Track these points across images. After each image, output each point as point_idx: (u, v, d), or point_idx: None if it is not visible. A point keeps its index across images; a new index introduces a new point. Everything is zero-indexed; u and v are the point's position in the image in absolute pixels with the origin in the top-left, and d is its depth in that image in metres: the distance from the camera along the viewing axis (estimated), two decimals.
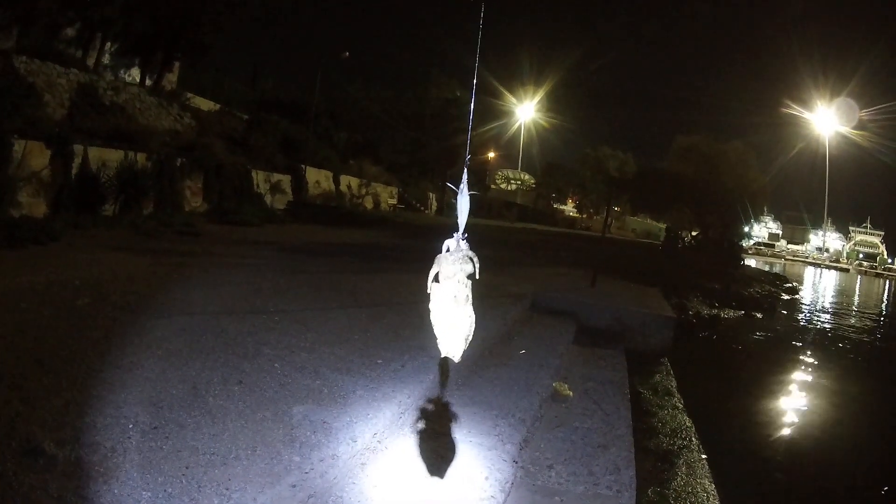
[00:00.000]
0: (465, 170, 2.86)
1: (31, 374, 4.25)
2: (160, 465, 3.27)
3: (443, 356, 2.84)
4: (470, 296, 2.76)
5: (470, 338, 2.80)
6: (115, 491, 3.00)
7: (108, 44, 27.47)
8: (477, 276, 2.75)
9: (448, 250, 2.75)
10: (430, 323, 2.76)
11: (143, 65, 29.24)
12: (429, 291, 2.77)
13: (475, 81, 3.05)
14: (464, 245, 2.74)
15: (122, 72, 29.13)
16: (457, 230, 2.76)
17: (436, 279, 2.75)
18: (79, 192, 14.55)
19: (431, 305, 2.76)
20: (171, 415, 3.88)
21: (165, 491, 3.05)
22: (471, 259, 2.74)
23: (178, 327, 5.85)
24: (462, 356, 2.82)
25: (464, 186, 2.76)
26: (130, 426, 3.65)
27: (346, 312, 7.54)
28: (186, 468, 3.27)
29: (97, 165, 15.21)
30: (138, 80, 28.84)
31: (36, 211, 13.26)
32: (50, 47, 22.34)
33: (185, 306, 6.79)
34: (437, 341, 2.80)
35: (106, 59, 27.79)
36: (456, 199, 2.78)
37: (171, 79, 32.04)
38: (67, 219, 12.90)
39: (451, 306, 2.73)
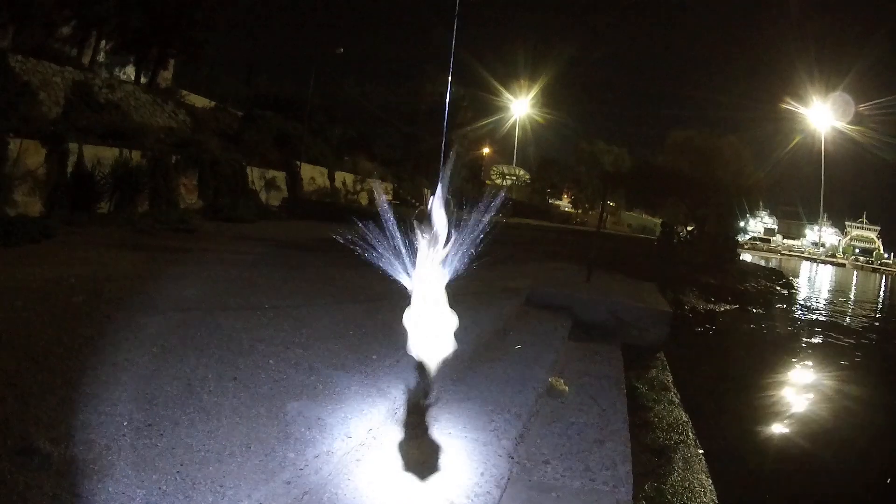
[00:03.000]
0: (440, 185, 2.81)
1: (25, 371, 4.25)
2: (155, 462, 3.27)
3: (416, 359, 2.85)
4: (441, 300, 2.75)
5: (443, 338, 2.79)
6: (110, 489, 3.00)
7: (103, 42, 27.47)
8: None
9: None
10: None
11: (138, 62, 29.21)
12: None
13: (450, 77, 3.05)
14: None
15: (116, 70, 29.11)
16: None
17: None
18: (74, 190, 14.53)
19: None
20: (166, 412, 3.88)
21: (160, 488, 3.05)
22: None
23: (173, 324, 5.85)
24: (438, 358, 2.81)
25: (437, 201, 2.70)
26: (125, 424, 3.65)
27: (341, 308, 7.54)
28: (181, 465, 3.27)
29: (92, 163, 15.18)
30: (133, 77, 28.81)
31: (31, 209, 13.23)
32: (45, 46, 22.32)
33: (180, 303, 6.79)
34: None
35: (101, 58, 27.78)
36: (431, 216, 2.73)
37: (165, 76, 32.00)
38: (63, 217, 12.88)
39: (421, 307, 2.73)
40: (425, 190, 47.60)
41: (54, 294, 6.57)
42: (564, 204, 78.62)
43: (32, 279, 7.20)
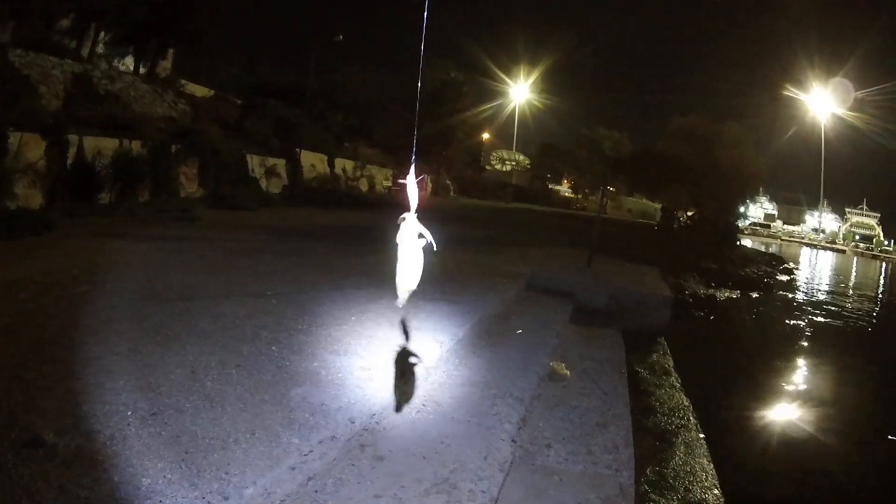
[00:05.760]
0: (413, 162, 3.76)
1: (30, 363, 4.26)
2: (159, 451, 3.29)
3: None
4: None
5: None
6: (116, 478, 3.02)
7: (103, 33, 27.30)
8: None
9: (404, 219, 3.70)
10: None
11: (138, 53, 29.05)
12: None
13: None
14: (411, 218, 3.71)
15: (116, 61, 28.93)
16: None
17: None
18: (74, 181, 14.49)
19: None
20: (170, 400, 3.91)
21: (165, 477, 3.08)
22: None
23: (176, 312, 5.86)
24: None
25: (411, 176, 3.75)
26: (129, 413, 3.67)
27: (343, 294, 7.55)
28: (186, 453, 3.30)
29: (92, 154, 15.15)
30: (132, 68, 28.66)
31: (32, 202, 13.20)
32: (45, 39, 22.21)
33: (183, 291, 6.80)
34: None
35: (100, 49, 27.62)
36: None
37: (165, 66, 31.86)
38: (64, 208, 12.85)
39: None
40: (425, 176, 47.57)
41: (57, 285, 6.57)
42: (565, 189, 78.39)
43: (35, 271, 7.20)
